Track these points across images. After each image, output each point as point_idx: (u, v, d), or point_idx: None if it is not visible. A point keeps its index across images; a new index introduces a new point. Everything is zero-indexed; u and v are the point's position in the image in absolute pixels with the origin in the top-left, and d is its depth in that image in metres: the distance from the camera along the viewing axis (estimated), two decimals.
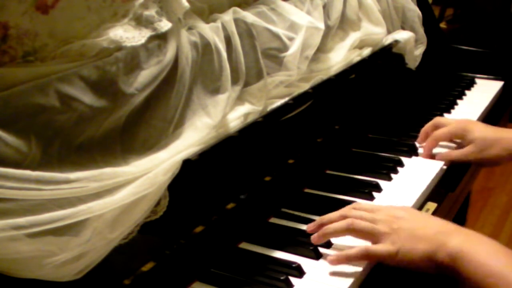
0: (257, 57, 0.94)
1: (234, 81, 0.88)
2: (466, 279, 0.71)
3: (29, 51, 0.65)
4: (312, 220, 0.92)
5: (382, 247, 0.79)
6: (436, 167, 1.11)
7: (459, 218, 1.75)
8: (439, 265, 0.75)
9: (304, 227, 0.92)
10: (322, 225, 0.84)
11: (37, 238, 0.60)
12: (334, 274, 0.80)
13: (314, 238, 0.84)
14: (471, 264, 0.71)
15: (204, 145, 0.81)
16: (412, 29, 1.45)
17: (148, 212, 0.73)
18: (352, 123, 1.24)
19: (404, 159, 1.13)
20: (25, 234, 0.59)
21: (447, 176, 1.12)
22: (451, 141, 1.19)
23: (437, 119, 1.20)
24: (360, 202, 0.87)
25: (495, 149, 1.09)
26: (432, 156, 1.16)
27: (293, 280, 0.79)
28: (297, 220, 0.94)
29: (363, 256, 0.80)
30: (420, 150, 1.19)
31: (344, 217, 0.83)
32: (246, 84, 0.92)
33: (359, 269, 0.81)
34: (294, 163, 1.04)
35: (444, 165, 1.11)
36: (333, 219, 0.83)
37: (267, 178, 0.97)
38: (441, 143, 1.19)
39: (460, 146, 1.17)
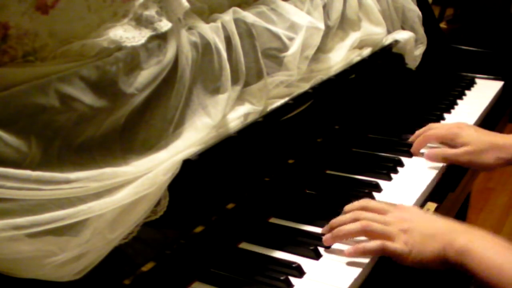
0: (257, 57, 0.94)
1: (234, 81, 0.88)
2: (471, 273, 0.78)
3: (29, 51, 0.65)
4: (312, 220, 0.93)
5: (399, 246, 0.82)
6: (436, 167, 1.11)
7: (459, 218, 1.75)
8: (448, 262, 0.80)
9: (304, 227, 0.92)
10: (333, 227, 0.87)
11: (37, 238, 0.60)
12: (334, 274, 0.80)
13: (327, 240, 0.86)
14: (475, 259, 0.77)
15: (204, 145, 0.81)
16: (412, 29, 1.45)
17: (148, 212, 0.73)
18: (352, 123, 1.24)
19: (404, 159, 1.13)
20: (25, 234, 0.59)
21: (447, 176, 1.12)
22: (441, 143, 1.17)
23: (430, 125, 1.20)
24: (368, 200, 0.91)
25: (487, 155, 1.09)
26: (420, 155, 1.15)
27: (293, 280, 0.79)
28: (297, 220, 0.94)
29: (379, 251, 0.83)
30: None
31: (355, 220, 0.86)
32: (246, 84, 0.92)
33: (359, 269, 0.81)
34: (294, 163, 1.04)
35: (437, 169, 1.08)
36: (345, 222, 0.86)
37: (267, 178, 0.97)
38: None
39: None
